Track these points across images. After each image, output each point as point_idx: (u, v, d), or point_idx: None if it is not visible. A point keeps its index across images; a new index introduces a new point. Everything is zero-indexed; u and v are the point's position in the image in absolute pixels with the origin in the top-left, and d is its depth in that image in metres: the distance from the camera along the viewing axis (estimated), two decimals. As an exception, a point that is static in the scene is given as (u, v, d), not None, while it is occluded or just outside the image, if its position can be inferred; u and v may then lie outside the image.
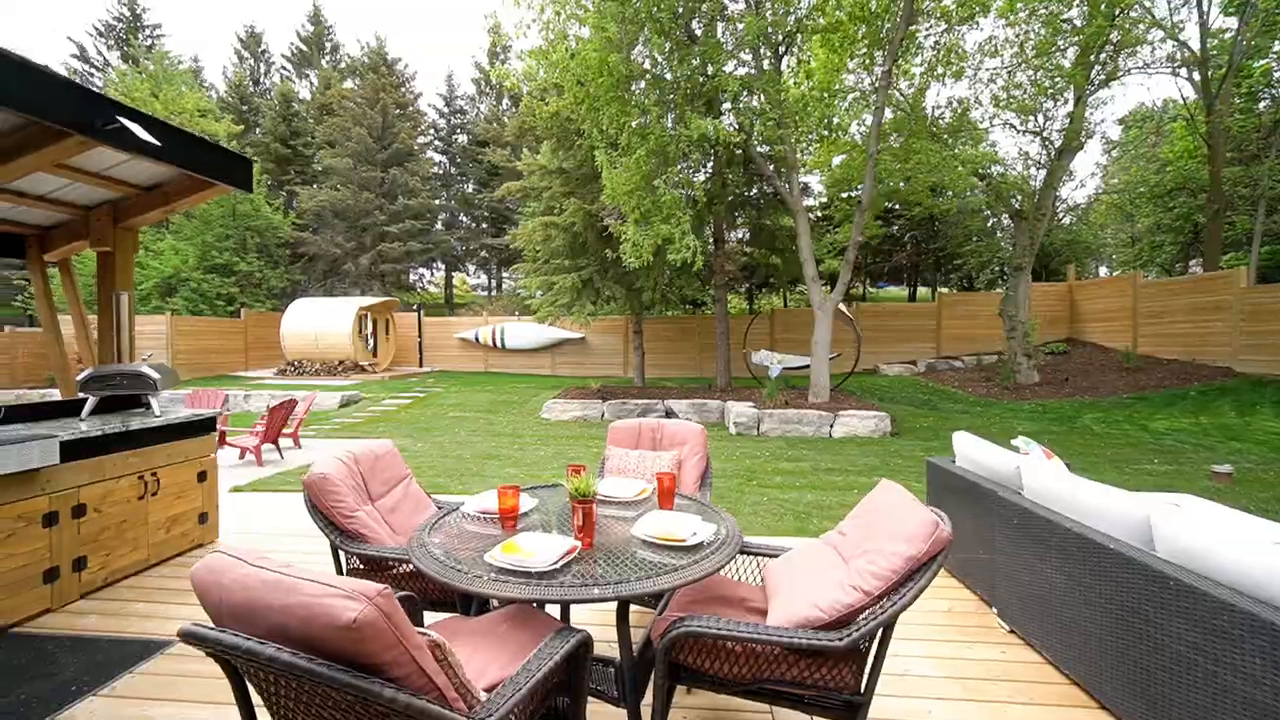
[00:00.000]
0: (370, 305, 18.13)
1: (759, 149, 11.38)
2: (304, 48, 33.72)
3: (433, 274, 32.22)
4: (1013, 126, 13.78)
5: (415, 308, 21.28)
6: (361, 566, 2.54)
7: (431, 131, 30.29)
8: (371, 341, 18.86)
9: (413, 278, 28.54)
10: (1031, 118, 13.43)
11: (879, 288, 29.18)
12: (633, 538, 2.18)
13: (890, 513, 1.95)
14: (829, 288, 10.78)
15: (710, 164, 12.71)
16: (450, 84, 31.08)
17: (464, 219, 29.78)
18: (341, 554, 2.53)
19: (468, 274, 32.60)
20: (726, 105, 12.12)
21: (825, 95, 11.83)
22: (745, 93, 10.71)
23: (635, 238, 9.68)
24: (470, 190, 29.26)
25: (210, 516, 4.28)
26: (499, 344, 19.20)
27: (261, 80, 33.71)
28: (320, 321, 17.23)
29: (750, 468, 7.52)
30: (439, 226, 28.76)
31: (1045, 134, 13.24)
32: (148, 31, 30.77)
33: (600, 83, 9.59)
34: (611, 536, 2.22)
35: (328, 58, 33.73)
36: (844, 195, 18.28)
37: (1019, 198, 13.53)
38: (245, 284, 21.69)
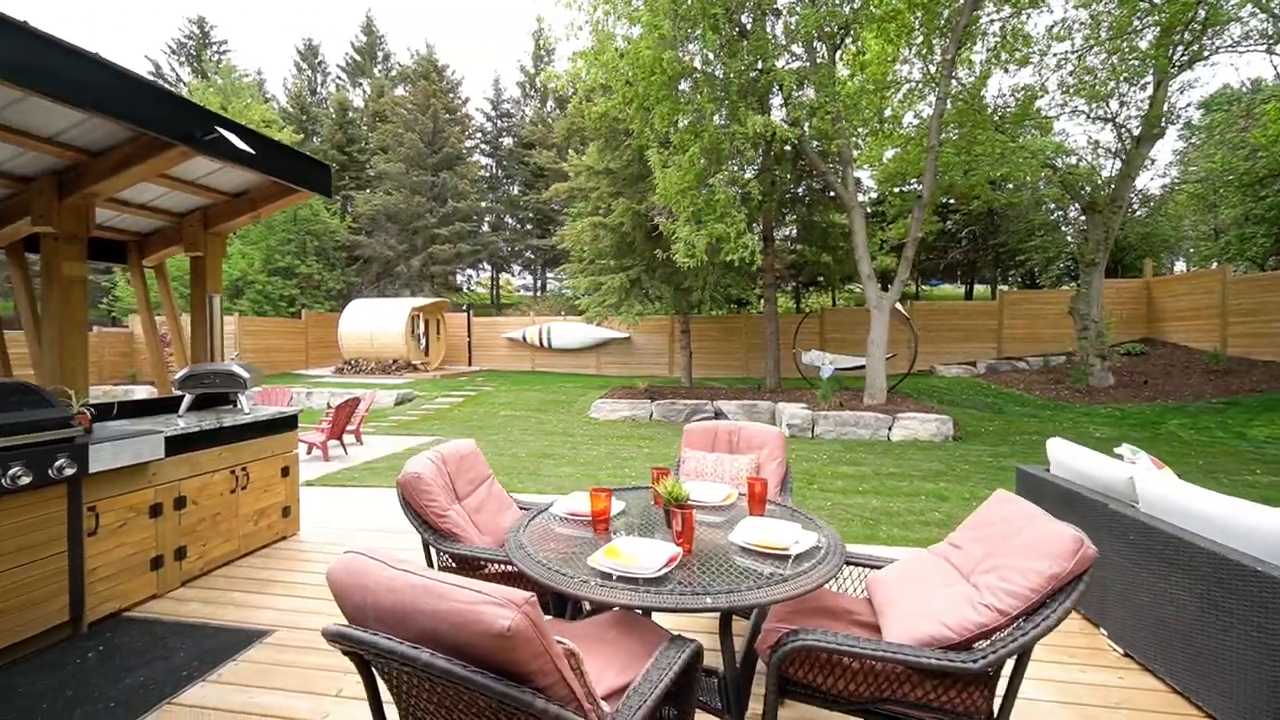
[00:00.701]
0: (422, 306, 18.64)
1: (812, 144, 11.12)
2: (358, 57, 35.00)
3: (478, 275, 32.91)
4: (1083, 114, 13.04)
5: (465, 308, 21.77)
6: (453, 565, 2.57)
7: (479, 135, 30.95)
8: (423, 341, 19.39)
9: (459, 279, 29.24)
10: (1104, 104, 12.67)
11: (932, 285, 28.20)
12: (730, 544, 2.12)
13: (1018, 526, 1.83)
14: (884, 286, 10.41)
15: (759, 161, 12.52)
16: (497, 88, 31.71)
17: (509, 220, 30.30)
18: (434, 551, 2.57)
19: (512, 274, 33.15)
20: (777, 101, 11.90)
21: (878, 87, 11.49)
22: (799, 87, 10.49)
23: (688, 237, 9.60)
24: (515, 192, 29.76)
25: (292, 510, 4.45)
26: (546, 344, 19.44)
27: (318, 90, 35.17)
28: (375, 321, 17.84)
29: (809, 471, 7.34)
30: (485, 229, 29.35)
31: (1121, 121, 12.46)
32: (215, 48, 32.54)
33: (652, 81, 9.55)
34: (706, 542, 2.16)
35: (380, 66, 34.91)
36: (897, 190, 17.70)
37: (1089, 189, 12.79)
38: (305, 286, 22.66)
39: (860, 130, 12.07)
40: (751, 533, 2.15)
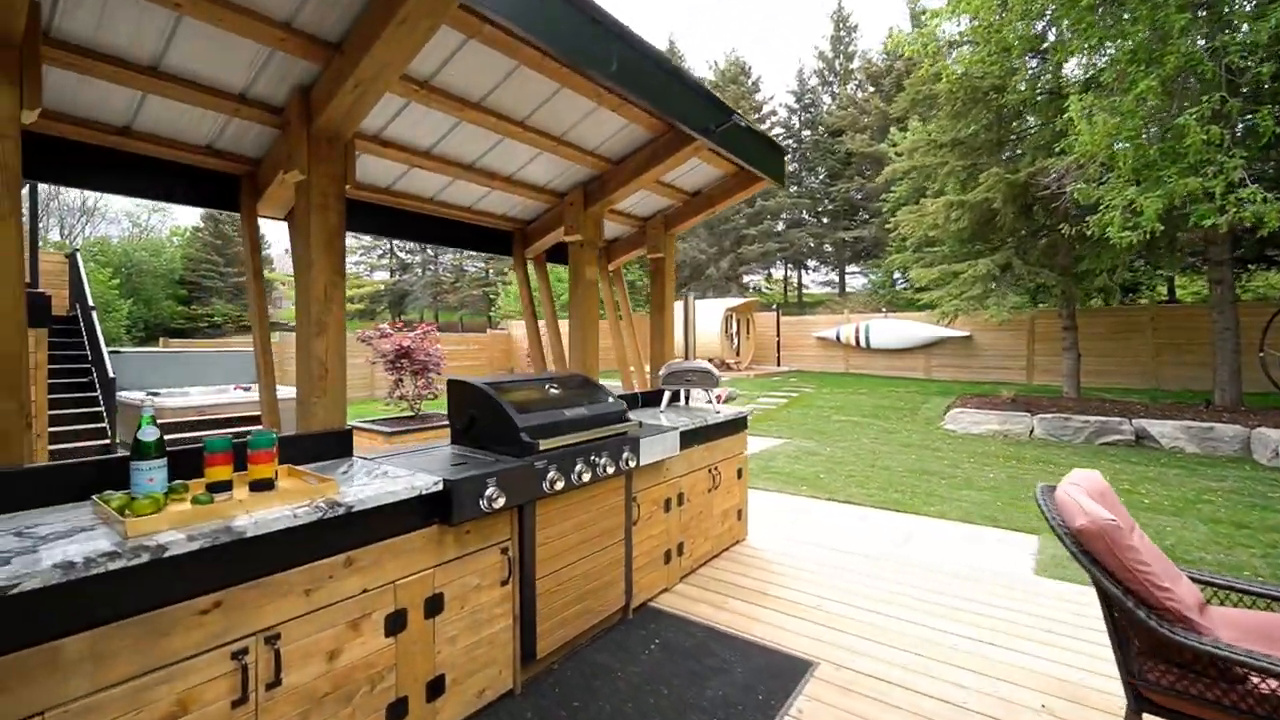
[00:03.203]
0: (735, 306, 18.98)
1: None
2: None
3: (771, 273, 32.62)
4: None
5: (773, 307, 21.58)
6: (1171, 665, 1.75)
7: (781, 130, 30.65)
8: (736, 341, 19.77)
9: (748, 279, 29.38)
10: None
11: None
12: None
13: None
14: None
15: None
16: (801, 78, 30.86)
17: (807, 216, 29.26)
18: (1135, 635, 1.79)
19: (807, 270, 31.98)
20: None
21: None
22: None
23: (1128, 201, 7.22)
24: (815, 184, 28.55)
25: (743, 513, 4.30)
26: (863, 343, 17.88)
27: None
28: (694, 322, 18.81)
29: None
30: (780, 226, 28.88)
31: None
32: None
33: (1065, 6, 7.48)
34: None
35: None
36: None
37: None
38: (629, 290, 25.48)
39: None
40: None
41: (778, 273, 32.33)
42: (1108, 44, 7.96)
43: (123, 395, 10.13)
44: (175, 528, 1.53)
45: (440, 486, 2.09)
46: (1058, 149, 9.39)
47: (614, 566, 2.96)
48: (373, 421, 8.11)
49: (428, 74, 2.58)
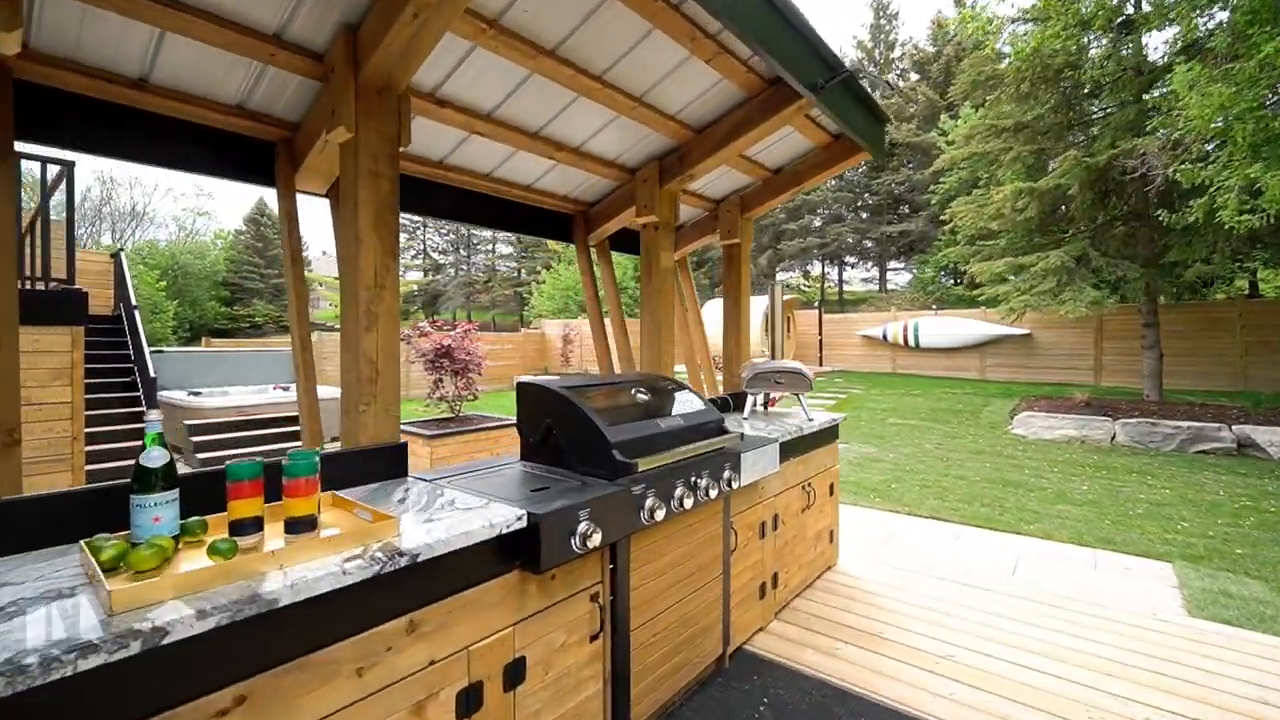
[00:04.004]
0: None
1: None
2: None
3: (809, 270, 31.69)
4: None
5: (815, 304, 20.80)
6: None
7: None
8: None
9: (782, 276, 28.45)
10: None
11: None
12: None
13: None
14: None
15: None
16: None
17: (846, 212, 28.27)
18: None
19: (847, 267, 30.96)
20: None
21: None
22: None
23: (1248, 179, 6.40)
24: (856, 177, 27.54)
25: (835, 535, 3.75)
26: (911, 342, 17.01)
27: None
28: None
29: None
30: (818, 222, 27.97)
31: None
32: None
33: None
34: None
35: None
36: None
37: None
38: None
39: None
40: None
41: (814, 270, 31.37)
42: (1216, 7, 7.13)
43: (164, 395, 10.08)
44: (182, 595, 1.09)
45: (524, 522, 1.62)
46: (1148, 127, 8.55)
47: (711, 607, 2.46)
48: (413, 424, 7.79)
49: (498, 9, 2.11)
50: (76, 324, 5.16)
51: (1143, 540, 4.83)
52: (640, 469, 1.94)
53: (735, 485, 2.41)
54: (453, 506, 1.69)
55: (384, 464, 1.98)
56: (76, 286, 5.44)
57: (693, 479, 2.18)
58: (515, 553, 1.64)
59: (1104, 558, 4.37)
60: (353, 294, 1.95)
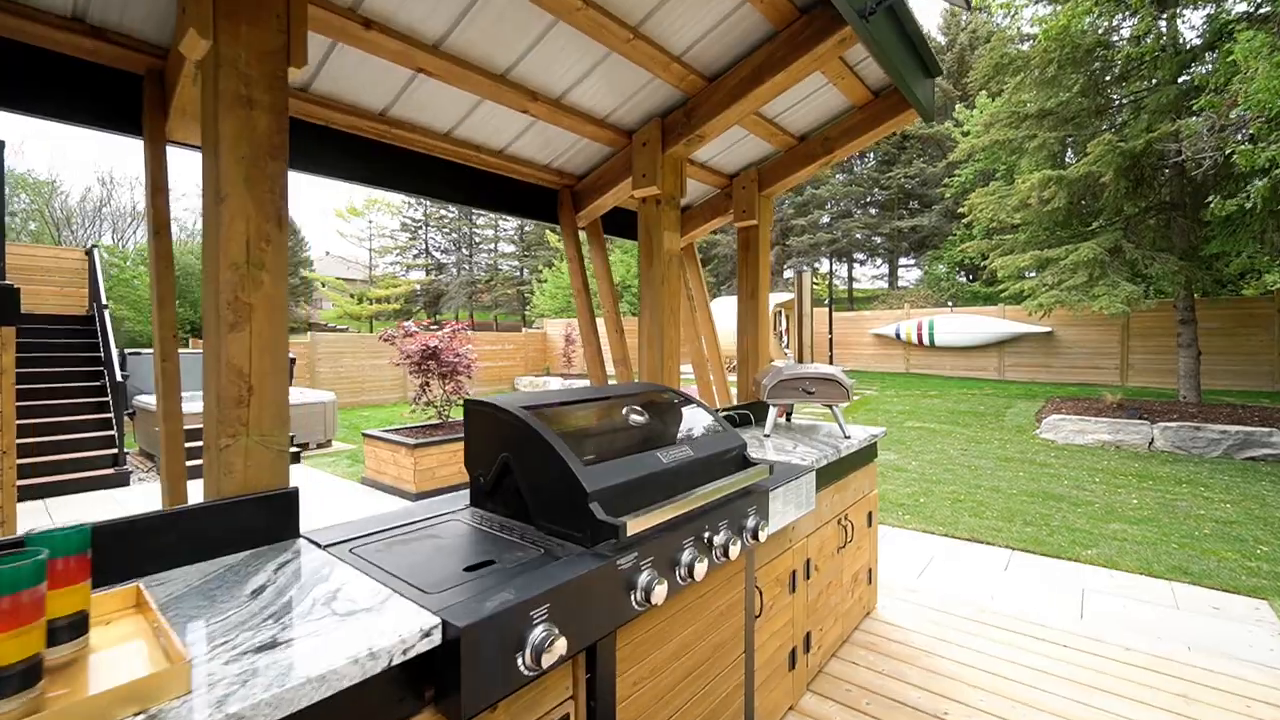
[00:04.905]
0: (784, 302, 17.63)
1: None
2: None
3: (817, 267, 30.95)
4: None
5: (825, 302, 20.14)
6: None
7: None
8: (785, 338, 18.43)
9: (789, 274, 27.72)
10: None
11: None
12: None
13: None
14: None
15: None
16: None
17: (854, 208, 27.54)
18: None
19: (856, 264, 30.23)
20: None
21: None
22: None
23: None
24: (865, 171, 26.81)
25: (874, 574, 3.11)
26: (926, 341, 16.32)
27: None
28: (736, 319, 17.53)
29: None
30: (826, 218, 27.25)
31: None
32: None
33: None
34: None
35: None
36: None
37: None
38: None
39: None
40: None
41: (822, 267, 30.63)
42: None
43: (140, 399, 9.50)
44: None
45: (437, 638, 1.00)
46: (1193, 106, 7.86)
47: (730, 699, 1.83)
48: (394, 431, 7.18)
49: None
50: (6, 324, 4.58)
51: (1222, 570, 4.17)
52: (630, 531, 1.31)
53: (763, 536, 1.78)
54: (331, 604, 1.07)
55: (261, 521, 1.36)
56: (6, 282, 4.85)
57: (706, 535, 1.56)
58: (425, 681, 1.02)
59: (1184, 593, 3.72)
60: (212, 276, 1.34)
